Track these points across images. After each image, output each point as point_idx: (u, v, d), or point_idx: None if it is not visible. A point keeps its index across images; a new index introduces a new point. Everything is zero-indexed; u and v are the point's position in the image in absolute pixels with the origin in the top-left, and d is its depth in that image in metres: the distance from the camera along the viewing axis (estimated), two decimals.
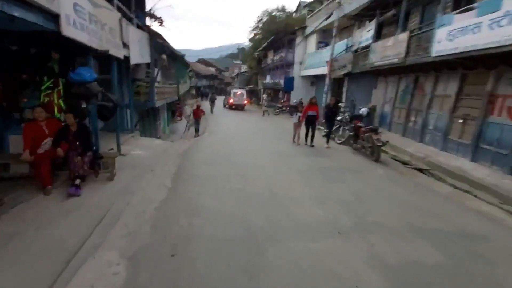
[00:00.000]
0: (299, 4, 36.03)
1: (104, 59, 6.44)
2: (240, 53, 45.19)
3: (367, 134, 8.18)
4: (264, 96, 27.34)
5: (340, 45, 16.49)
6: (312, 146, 9.82)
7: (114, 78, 6.66)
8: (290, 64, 24.28)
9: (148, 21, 10.67)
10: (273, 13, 34.96)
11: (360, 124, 9.03)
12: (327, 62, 14.99)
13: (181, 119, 21.99)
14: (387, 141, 7.99)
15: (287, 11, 36.11)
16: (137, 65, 11.05)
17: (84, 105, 5.30)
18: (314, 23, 21.33)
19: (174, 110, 20.53)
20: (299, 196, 5.04)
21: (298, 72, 23.83)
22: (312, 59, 21.40)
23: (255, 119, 20.15)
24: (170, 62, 15.98)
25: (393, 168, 7.52)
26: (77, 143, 4.96)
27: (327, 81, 14.68)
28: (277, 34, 23.81)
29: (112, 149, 7.23)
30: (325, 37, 21.25)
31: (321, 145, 10.07)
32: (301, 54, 23.52)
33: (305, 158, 8.08)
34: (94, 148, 5.27)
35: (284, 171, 6.61)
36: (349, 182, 5.96)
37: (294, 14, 35.11)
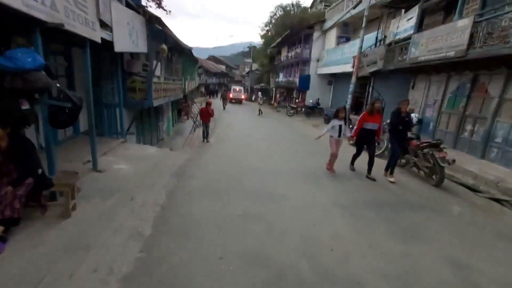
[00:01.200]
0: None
1: (93, 47, 4.63)
2: (252, 51, 43.08)
3: (426, 150, 6.10)
4: (259, 94, 27.38)
5: (368, 39, 14.32)
6: (372, 178, 6.11)
7: (88, 69, 4.82)
8: (306, 62, 22.17)
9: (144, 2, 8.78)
10: (288, 8, 32.87)
11: (411, 135, 6.93)
12: (354, 57, 12.87)
13: (188, 119, 20.23)
14: (454, 161, 5.88)
15: (302, 6, 34.01)
16: (133, 57, 9.28)
17: (25, 106, 3.47)
18: (335, 16, 19.17)
19: (181, 108, 18.75)
20: (364, 277, 2.79)
21: (315, 70, 21.71)
22: (331, 56, 19.24)
23: (270, 121, 18.14)
24: (175, 56, 14.17)
25: (465, 199, 5.45)
26: (10, 166, 3.17)
27: (353, 79, 12.56)
28: (293, 28, 21.73)
29: (89, 161, 5.44)
30: (346, 31, 19.11)
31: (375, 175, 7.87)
32: (318, 50, 21.39)
33: (340, 182, 6.04)
34: (40, 171, 3.41)
35: (320, 210, 4.48)
36: (430, 239, 3.77)
37: (309, 10, 32.93)
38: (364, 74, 12.62)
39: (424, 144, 6.17)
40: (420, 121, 8.32)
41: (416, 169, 6.56)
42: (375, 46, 12.92)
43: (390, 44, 11.49)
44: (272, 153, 8.26)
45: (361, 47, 12.07)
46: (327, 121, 16.42)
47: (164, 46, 8.72)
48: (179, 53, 14.60)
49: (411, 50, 9.63)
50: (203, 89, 41.05)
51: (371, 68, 12.28)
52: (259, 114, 21.04)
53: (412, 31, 9.86)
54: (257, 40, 42.53)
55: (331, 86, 21.81)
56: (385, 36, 13.17)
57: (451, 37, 7.69)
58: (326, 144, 7.27)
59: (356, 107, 16.02)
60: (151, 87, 8.66)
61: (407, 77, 12.09)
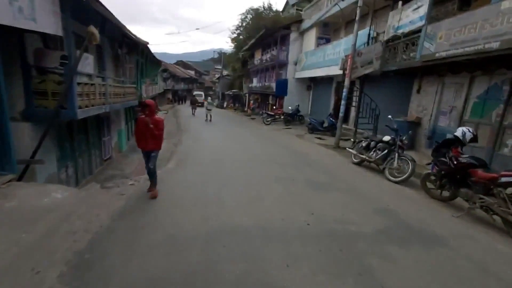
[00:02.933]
0: (287, 3, 32.28)
1: None
2: (222, 57, 40.38)
3: (499, 189, 3.82)
4: (209, 98, 25.64)
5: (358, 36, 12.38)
6: None
7: None
8: (283, 65, 19.98)
9: None
10: (259, 10, 30.83)
11: (465, 158, 4.62)
12: (345, 57, 10.72)
13: None
14: None
15: (274, 9, 32.21)
16: (48, 45, 6.14)
17: None
18: (313, 16, 17.21)
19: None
20: None
21: (293, 74, 19.59)
22: (311, 59, 17.21)
23: (246, 132, 15.45)
24: (124, 51, 11.01)
25: None
26: None
27: (346, 82, 10.35)
28: (267, 29, 19.45)
29: None
30: (326, 32, 17.23)
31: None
32: (296, 53, 19.31)
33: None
34: None
35: None
36: None
37: (281, 14, 31.18)
38: (358, 76, 10.51)
39: (506, 179, 3.86)
40: (474, 139, 5.97)
41: (485, 212, 4.26)
42: (367, 44, 10.92)
43: (389, 40, 9.49)
44: (261, 189, 5.31)
45: (355, 45, 9.94)
46: (312, 130, 14.21)
47: (93, 29, 5.72)
48: (130, 48, 11.46)
49: (423, 45, 7.60)
50: (170, 95, 37.38)
51: (366, 69, 10.21)
52: (206, 120, 18.57)
53: (422, 22, 7.86)
54: (228, 48, 39.91)
55: (310, 92, 19.81)
56: (378, 34, 11.25)
57: (492, 24, 5.67)
58: (331, 165, 4.77)
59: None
60: (72, 89, 5.60)
61: (406, 79, 10.20)
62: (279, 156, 8.36)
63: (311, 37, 17.70)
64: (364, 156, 7.26)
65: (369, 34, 11.06)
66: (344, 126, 14.25)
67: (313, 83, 19.30)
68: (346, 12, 14.58)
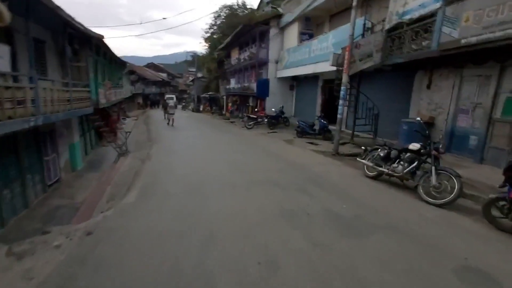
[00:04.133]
0: (261, 1, 30.77)
1: None
2: (196, 60, 37.96)
3: None
4: (171, 102, 24.27)
5: (344, 30, 11.01)
6: None
7: None
8: (263, 64, 18.31)
9: None
10: (234, 7, 29.04)
11: None
12: (342, 50, 9.21)
13: (115, 139, 14.40)
14: None
15: (248, 7, 30.57)
16: None
17: None
18: (295, 9, 15.71)
19: (98, 127, 12.92)
20: None
21: (274, 73, 17.99)
22: (294, 56, 15.70)
23: (228, 138, 13.52)
24: (73, 47, 8.71)
25: None
26: None
27: (344, 79, 8.81)
28: (245, 25, 17.68)
29: None
30: (308, 26, 15.81)
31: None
32: (276, 50, 17.75)
33: None
34: None
35: None
36: None
37: (256, 12, 29.62)
38: (356, 72, 9.04)
39: None
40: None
41: None
42: (363, 36, 9.52)
43: (391, 29, 8.10)
44: (269, 242, 3.34)
45: (352, 35, 8.45)
46: (301, 134, 12.64)
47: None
48: (81, 43, 9.14)
49: (442, 30, 6.23)
50: (140, 100, 34.36)
51: (365, 63, 8.78)
52: (168, 124, 17.84)
53: (438, 4, 6.50)
54: (202, 49, 37.63)
55: (293, 92, 18.33)
56: (373, 24, 9.89)
57: None
58: (343, 183, 3.11)
59: (328, 114, 12.60)
60: None
61: (405, 74, 8.95)
62: (274, 171, 6.58)
63: (293, 32, 16.20)
64: (383, 169, 5.71)
65: (364, 24, 9.66)
66: (334, 128, 12.89)
67: (296, 82, 17.84)
68: (331, 4, 13.24)
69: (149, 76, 36.33)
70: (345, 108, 12.07)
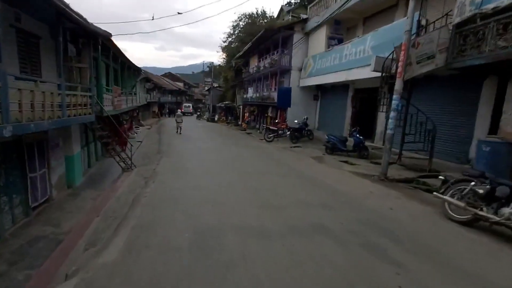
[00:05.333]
0: (281, 10, 29.65)
1: None
2: (212, 70, 37.08)
3: None
4: (178, 111, 23.75)
5: (392, 29, 9.30)
6: None
7: None
8: (285, 71, 16.76)
9: None
10: (253, 16, 28.02)
11: None
12: (395, 49, 7.42)
13: (124, 149, 13.07)
14: None
15: (268, 16, 29.48)
16: None
17: None
18: (323, 12, 14.18)
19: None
20: None
21: (297, 81, 16.37)
22: (321, 63, 14.04)
23: (247, 153, 11.85)
24: (77, 46, 7.44)
25: None
26: None
27: (398, 85, 6.97)
28: (267, 30, 16.28)
29: None
30: (338, 30, 14.17)
31: None
32: (300, 57, 16.17)
33: None
34: None
35: None
36: None
37: (276, 21, 28.49)
38: (411, 76, 7.20)
39: None
40: None
41: None
42: (417, 34, 7.71)
43: (462, 23, 6.29)
44: None
45: (410, 31, 6.68)
46: (331, 150, 10.79)
47: None
48: (84, 42, 7.87)
49: None
50: (156, 108, 33.60)
51: (425, 66, 6.96)
52: (177, 132, 17.68)
53: None
54: (219, 61, 36.87)
55: (317, 102, 16.58)
56: (428, 22, 8.09)
57: None
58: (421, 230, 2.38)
59: (361, 129, 10.69)
60: None
61: (468, 81, 7.09)
62: (316, 206, 4.77)
63: (320, 37, 14.61)
64: (487, 215, 3.80)
65: (418, 21, 7.86)
66: (369, 143, 10.97)
67: (321, 91, 16.12)
68: (368, 4, 11.60)
69: (165, 85, 35.71)
70: (379, 120, 10.29)
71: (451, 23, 6.84)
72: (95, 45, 8.41)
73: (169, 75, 48.89)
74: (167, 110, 38.76)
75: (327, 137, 11.04)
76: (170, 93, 39.99)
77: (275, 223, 3.92)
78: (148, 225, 3.87)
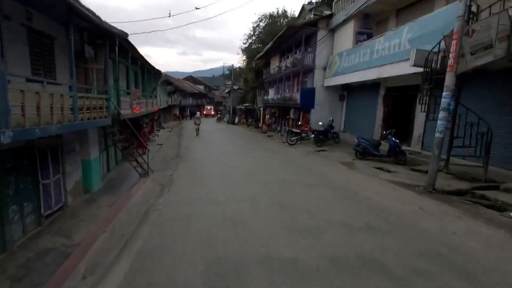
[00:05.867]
0: (303, 8, 28.67)
1: None
2: (232, 70, 36.75)
3: None
4: (198, 113, 22.09)
5: (434, 18, 8.15)
6: None
7: None
8: (308, 71, 15.84)
9: None
10: (274, 16, 27.28)
11: None
12: (445, 38, 6.33)
13: (143, 153, 12.82)
14: None
15: (289, 16, 28.59)
16: None
17: None
18: (350, 6, 13.13)
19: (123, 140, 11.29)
20: None
21: (321, 81, 15.37)
22: (348, 60, 12.99)
23: (270, 158, 11.11)
24: (92, 46, 7.10)
25: None
26: None
27: (448, 80, 5.89)
28: (289, 27, 15.47)
29: None
30: (367, 25, 13.07)
31: None
32: (325, 55, 15.18)
33: None
34: None
35: None
36: None
37: (298, 21, 27.56)
38: (465, 70, 6.07)
39: None
40: None
41: None
42: (470, 22, 6.54)
43: None
44: None
45: (464, 15, 5.60)
46: (362, 155, 9.75)
47: None
48: (100, 43, 7.53)
49: None
50: (177, 111, 33.80)
51: (480, 57, 5.83)
52: (197, 134, 18.07)
53: None
54: (239, 64, 36.37)
55: (343, 102, 15.47)
56: (479, 8, 6.88)
57: None
58: None
59: (398, 131, 9.48)
60: None
61: None
62: (360, 229, 3.89)
63: (347, 33, 13.55)
64: None
65: (469, 6, 6.68)
66: (405, 148, 9.77)
67: (348, 91, 15.00)
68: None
69: (187, 88, 35.90)
70: (417, 120, 9.09)
71: (511, 7, 5.69)
72: (112, 46, 8.07)
73: (190, 78, 49.38)
74: (188, 113, 39.28)
75: (357, 140, 10.00)
76: (191, 96, 40.22)
77: (311, 253, 3.10)
78: (155, 252, 3.21)
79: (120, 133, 8.93)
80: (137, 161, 8.57)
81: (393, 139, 9.06)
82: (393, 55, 9.82)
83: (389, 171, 7.98)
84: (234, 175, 7.48)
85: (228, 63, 65.98)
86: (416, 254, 3.12)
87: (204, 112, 42.98)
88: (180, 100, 33.13)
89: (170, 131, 22.78)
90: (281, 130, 20.36)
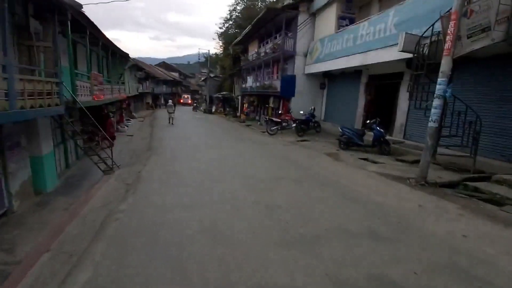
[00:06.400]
0: None
1: None
2: (208, 57, 35.00)
3: None
4: (169, 101, 21.32)
5: (423, 0, 7.69)
6: None
7: None
8: (288, 58, 15.11)
9: None
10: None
11: None
12: (442, 18, 5.85)
13: (110, 146, 11.50)
14: None
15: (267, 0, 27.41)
16: None
17: None
18: None
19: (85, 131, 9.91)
20: None
21: (302, 68, 14.75)
22: (329, 46, 12.43)
23: (249, 148, 10.40)
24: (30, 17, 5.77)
25: None
26: None
27: (445, 66, 5.46)
28: (268, 9, 14.52)
29: None
30: (349, 9, 12.53)
31: None
32: (306, 41, 14.50)
33: None
34: None
35: None
36: None
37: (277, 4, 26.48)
38: (460, 55, 5.67)
39: None
40: None
41: None
42: (466, 3, 6.12)
43: None
44: None
45: None
46: (345, 145, 9.37)
47: None
48: (47, 17, 6.19)
49: None
50: (149, 100, 31.73)
51: (478, 41, 5.45)
52: (169, 123, 17.57)
53: None
54: (215, 51, 34.67)
55: (323, 91, 15.04)
56: None
57: None
58: None
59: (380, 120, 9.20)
60: None
61: None
62: (363, 236, 3.34)
63: (329, 17, 12.92)
64: None
65: None
66: (387, 137, 9.52)
67: (329, 79, 14.55)
68: None
69: (159, 75, 33.71)
70: (400, 108, 8.83)
71: None
72: (64, 20, 6.72)
73: (164, 65, 46.62)
74: (163, 101, 37.03)
75: (341, 130, 9.57)
76: (165, 84, 37.98)
77: (313, 277, 2.47)
78: (108, 284, 2.39)
79: (83, 123, 7.70)
80: (99, 156, 7.44)
81: (378, 128, 8.72)
82: (378, 40, 9.37)
83: (375, 162, 7.64)
84: (211, 171, 6.68)
85: (204, 49, 63.03)
86: (435, 270, 2.61)
87: (181, 101, 41.99)
88: (152, 87, 31.04)
89: (142, 121, 21.17)
90: (260, 119, 19.66)
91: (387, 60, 8.93)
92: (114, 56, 13.43)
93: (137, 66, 21.95)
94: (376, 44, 9.43)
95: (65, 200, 6.74)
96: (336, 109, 13.93)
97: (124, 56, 14.87)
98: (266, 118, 15.54)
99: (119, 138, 13.83)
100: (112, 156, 7.66)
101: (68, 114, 7.31)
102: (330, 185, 5.41)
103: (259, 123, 19.13)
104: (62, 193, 7.27)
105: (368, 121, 9.32)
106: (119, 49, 13.01)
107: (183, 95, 46.06)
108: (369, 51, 9.79)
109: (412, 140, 9.11)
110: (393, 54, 8.49)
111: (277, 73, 16.45)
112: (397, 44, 7.66)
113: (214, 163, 7.47)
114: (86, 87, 8.47)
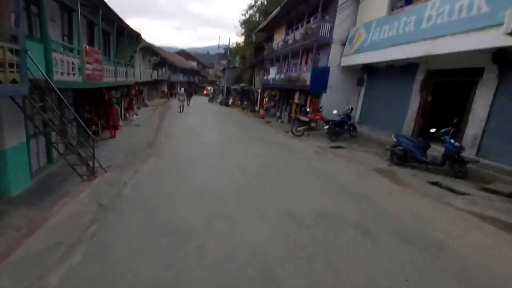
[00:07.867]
0: None
1: None
2: (228, 45, 32.80)
3: None
4: (182, 89, 21.99)
5: None
6: None
7: None
8: (323, 46, 12.73)
9: None
10: None
11: None
12: None
13: (112, 137, 9.78)
14: None
15: None
16: None
17: None
18: None
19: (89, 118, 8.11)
20: None
21: (337, 59, 12.36)
22: (379, 32, 9.99)
23: (276, 155, 8.31)
24: None
25: None
26: None
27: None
28: None
29: None
30: None
31: None
32: (345, 27, 12.05)
33: None
34: None
35: None
36: None
37: None
38: None
39: None
40: None
41: None
42: None
43: None
44: None
45: None
46: (400, 159, 7.05)
47: None
48: None
49: None
50: (165, 88, 30.15)
51: None
52: (180, 111, 17.97)
53: None
54: (236, 40, 32.39)
55: (360, 88, 12.60)
56: None
57: None
58: None
59: (440, 127, 6.79)
60: None
61: None
62: None
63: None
64: None
65: None
66: (463, 155, 7.08)
67: (368, 74, 12.09)
68: None
69: (176, 62, 31.99)
70: (482, 118, 6.42)
71: None
72: None
73: (183, 53, 44.97)
74: (178, 90, 35.47)
75: (395, 139, 7.25)
76: (182, 72, 36.31)
77: None
78: None
79: (76, 109, 5.86)
80: (78, 155, 5.59)
81: (452, 141, 6.35)
82: (456, 22, 6.90)
83: (452, 191, 5.35)
84: (227, 192, 4.61)
85: (225, 40, 60.86)
86: None
87: (204, 92, 41.64)
88: (169, 75, 29.40)
89: (154, 110, 19.53)
90: (281, 116, 17.47)
91: (470, 49, 6.49)
92: (122, 34, 11.60)
93: (152, 50, 20.20)
94: (453, 27, 6.96)
95: (25, 212, 4.93)
96: (377, 111, 11.48)
97: (135, 35, 13.02)
98: (292, 116, 13.32)
99: (126, 127, 12.13)
100: (94, 155, 5.76)
101: (40, 97, 5.48)
102: (417, 242, 3.22)
103: (280, 120, 16.96)
104: (27, 200, 5.49)
105: (434, 130, 6.91)
106: (127, 25, 11.15)
107: (206, 87, 45.23)
108: (439, 37, 7.33)
109: (492, 159, 6.68)
110: (482, 40, 6.09)
111: (306, 64, 14.12)
112: (488, 27, 5.30)
113: (229, 178, 5.39)
114: (74, 64, 6.62)
